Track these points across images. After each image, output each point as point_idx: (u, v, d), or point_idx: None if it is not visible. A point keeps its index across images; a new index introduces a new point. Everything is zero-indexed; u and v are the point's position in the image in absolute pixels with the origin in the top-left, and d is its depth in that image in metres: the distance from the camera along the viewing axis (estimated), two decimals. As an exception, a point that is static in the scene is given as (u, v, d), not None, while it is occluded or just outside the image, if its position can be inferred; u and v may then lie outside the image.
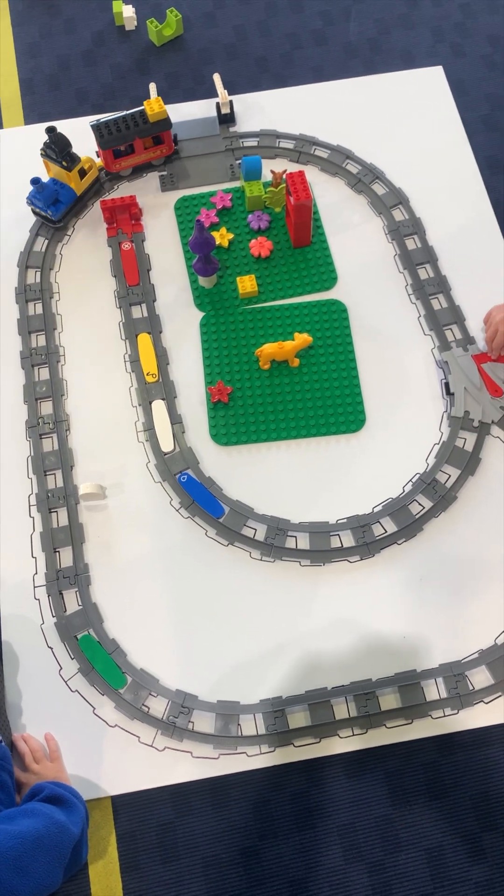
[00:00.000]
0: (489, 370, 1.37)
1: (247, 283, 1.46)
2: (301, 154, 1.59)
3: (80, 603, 1.25)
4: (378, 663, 1.20)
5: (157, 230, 1.54)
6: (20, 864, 0.86)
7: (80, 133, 1.54)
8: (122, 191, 1.58)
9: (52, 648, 1.22)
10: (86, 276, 1.50)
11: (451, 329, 1.43)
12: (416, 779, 1.14)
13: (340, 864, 1.10)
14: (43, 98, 1.70)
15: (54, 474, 1.33)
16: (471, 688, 1.18)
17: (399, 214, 1.53)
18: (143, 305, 1.47)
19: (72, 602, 1.25)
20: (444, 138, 1.62)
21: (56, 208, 1.50)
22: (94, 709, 1.18)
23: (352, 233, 1.53)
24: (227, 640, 1.22)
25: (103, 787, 1.14)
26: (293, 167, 1.58)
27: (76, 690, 1.20)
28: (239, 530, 1.28)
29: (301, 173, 1.41)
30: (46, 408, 1.39)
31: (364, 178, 1.56)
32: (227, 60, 1.73)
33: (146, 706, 1.18)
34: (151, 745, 1.16)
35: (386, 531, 1.28)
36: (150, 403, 1.38)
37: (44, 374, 1.42)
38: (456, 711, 1.17)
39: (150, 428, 1.36)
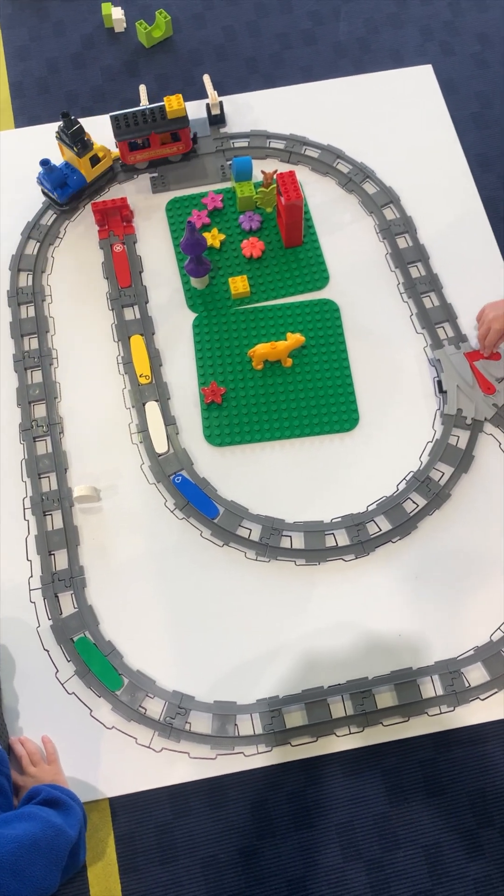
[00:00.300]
0: (481, 368, 1.37)
1: (239, 284, 1.46)
2: (291, 154, 1.59)
3: (75, 605, 1.25)
4: (374, 661, 1.20)
5: (149, 232, 1.55)
6: (17, 868, 0.86)
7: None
8: (113, 193, 1.58)
9: (48, 651, 1.22)
10: (78, 278, 1.51)
11: (443, 327, 1.43)
12: (414, 776, 1.14)
13: (339, 862, 1.10)
14: (33, 101, 1.70)
15: (48, 477, 1.34)
16: (467, 685, 1.18)
17: (390, 213, 1.54)
18: (136, 307, 1.47)
19: (67, 605, 1.25)
20: (435, 137, 1.62)
21: (63, 191, 1.51)
22: (91, 711, 1.18)
23: (343, 232, 1.53)
24: (223, 641, 1.23)
25: (101, 789, 1.14)
26: (284, 167, 1.58)
27: (73, 693, 1.20)
28: (234, 531, 1.28)
29: (291, 173, 1.41)
30: (40, 411, 1.39)
31: (355, 178, 1.56)
32: (217, 61, 1.74)
33: (143, 707, 1.18)
34: (149, 747, 1.16)
35: (380, 529, 1.28)
36: (144, 405, 1.38)
37: (37, 377, 1.42)
38: (452, 708, 1.17)
39: (143, 429, 1.37)
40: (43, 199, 1.56)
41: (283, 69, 1.72)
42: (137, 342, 1.43)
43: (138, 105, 1.62)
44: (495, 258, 1.49)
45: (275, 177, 1.47)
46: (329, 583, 1.26)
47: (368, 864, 1.10)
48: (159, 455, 1.34)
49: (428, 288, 1.46)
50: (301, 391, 1.39)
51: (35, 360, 1.43)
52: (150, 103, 1.58)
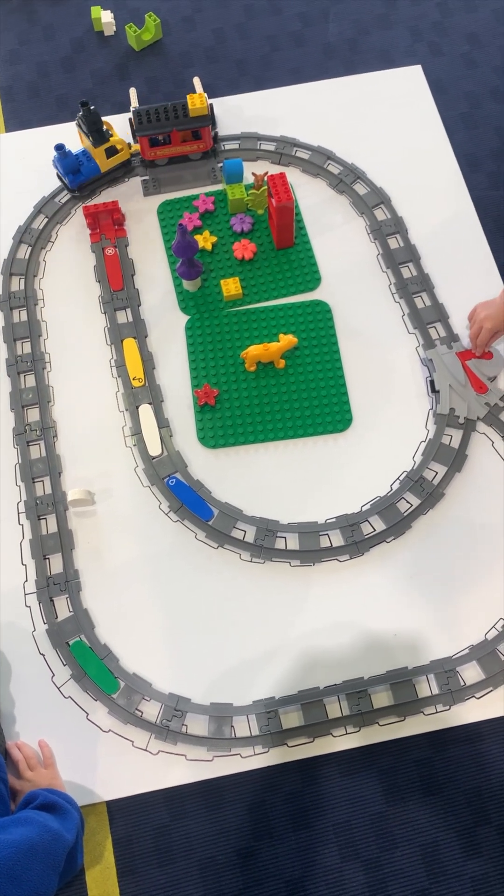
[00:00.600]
0: (473, 367, 1.38)
1: (231, 286, 1.46)
2: (282, 156, 1.60)
3: (70, 609, 1.25)
4: (370, 661, 1.21)
5: (141, 235, 1.55)
6: (14, 873, 0.86)
7: (62, 139, 1.54)
8: (104, 196, 1.58)
9: (44, 655, 1.22)
10: (70, 282, 1.51)
11: (435, 327, 1.43)
12: (410, 775, 1.15)
13: (336, 862, 1.10)
14: (23, 105, 1.70)
15: (42, 481, 1.34)
16: (462, 683, 1.18)
17: (381, 214, 1.54)
18: (128, 310, 1.47)
19: (63, 608, 1.25)
20: (424, 137, 1.62)
21: (75, 177, 1.53)
22: (88, 714, 1.18)
23: (334, 233, 1.53)
24: (219, 643, 1.23)
25: (98, 793, 1.14)
26: (274, 169, 1.59)
27: (69, 696, 1.20)
28: (228, 532, 1.29)
29: (282, 175, 1.41)
30: (33, 415, 1.39)
31: (345, 179, 1.57)
32: (207, 64, 1.74)
33: (139, 710, 1.18)
34: (145, 750, 1.16)
35: (375, 530, 1.29)
36: (137, 408, 1.39)
37: (30, 381, 1.42)
38: (448, 707, 1.17)
39: (137, 432, 1.37)
40: (34, 202, 1.56)
41: (272, 71, 1.72)
42: (130, 345, 1.43)
43: (128, 109, 1.62)
44: (486, 257, 1.49)
45: (265, 179, 1.47)
46: (324, 583, 1.26)
47: (366, 863, 1.10)
48: (153, 458, 1.35)
49: (419, 288, 1.46)
50: (294, 392, 1.39)
51: (28, 364, 1.43)
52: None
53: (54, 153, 1.50)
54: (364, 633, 1.23)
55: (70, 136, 1.59)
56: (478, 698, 1.17)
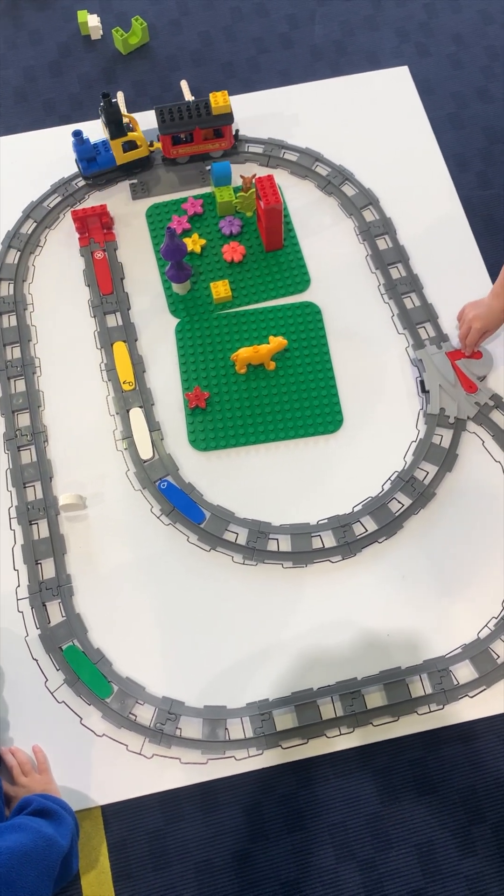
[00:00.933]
0: (463, 367, 1.38)
1: (220, 289, 1.47)
2: (270, 158, 1.60)
3: (63, 614, 1.25)
4: (363, 662, 1.21)
5: (130, 238, 1.55)
6: (8, 879, 0.86)
7: (49, 143, 1.54)
8: (93, 200, 1.58)
9: (37, 660, 1.22)
10: (59, 286, 1.51)
11: (424, 327, 1.44)
12: (404, 775, 1.15)
13: (332, 863, 1.10)
14: (10, 110, 1.70)
15: (33, 486, 1.33)
16: (455, 683, 1.18)
17: (370, 215, 1.54)
18: (118, 314, 1.47)
19: (55, 613, 1.25)
20: (412, 138, 1.63)
21: (90, 165, 1.54)
22: (81, 719, 1.18)
23: (323, 235, 1.54)
24: (212, 645, 1.23)
25: (93, 797, 1.14)
26: (262, 171, 1.59)
27: (62, 701, 1.19)
28: (220, 535, 1.29)
29: (270, 177, 1.42)
30: (24, 420, 1.39)
31: (334, 180, 1.57)
32: (194, 67, 1.74)
33: (133, 714, 1.18)
34: (140, 753, 1.16)
35: (366, 530, 1.29)
36: (128, 411, 1.38)
37: (20, 386, 1.42)
38: (441, 707, 1.17)
39: (128, 436, 1.37)
40: (22, 207, 1.56)
41: (260, 73, 1.72)
42: (120, 349, 1.43)
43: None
44: (475, 257, 1.50)
45: (254, 181, 1.47)
46: (316, 584, 1.26)
47: (361, 864, 1.10)
48: (144, 461, 1.34)
49: (409, 288, 1.47)
50: (285, 394, 1.39)
51: (18, 369, 1.42)
52: (127, 111, 1.59)
53: (19, 177, 1.51)
54: (357, 633, 1.23)
55: (57, 140, 1.59)
56: (471, 697, 1.18)
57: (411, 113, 1.66)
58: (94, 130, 1.61)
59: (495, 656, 1.20)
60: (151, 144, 1.57)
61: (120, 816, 1.14)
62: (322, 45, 1.75)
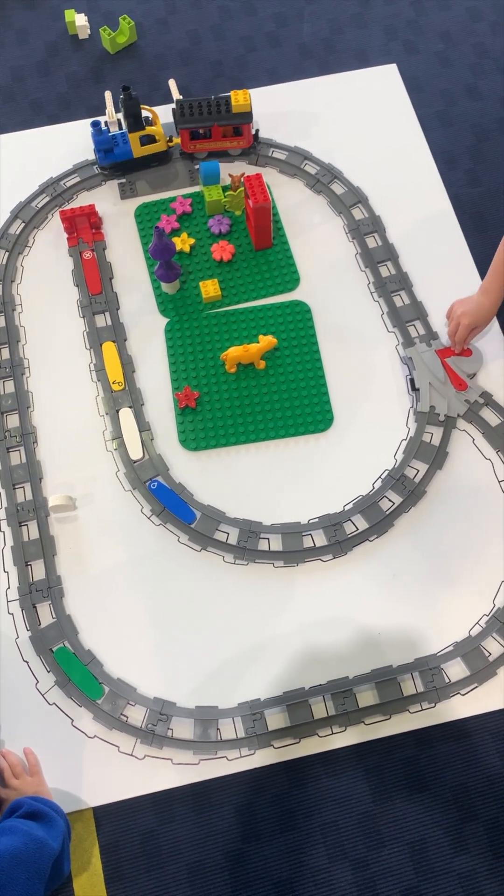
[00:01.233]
0: (453, 364, 1.38)
1: (210, 288, 1.46)
2: (258, 156, 1.60)
3: (54, 615, 1.24)
4: (354, 661, 1.21)
5: (118, 238, 1.54)
6: (-2, 882, 0.86)
7: (37, 143, 1.53)
8: (81, 200, 1.57)
9: (27, 662, 1.22)
10: (48, 286, 1.50)
11: (414, 325, 1.44)
12: (396, 774, 1.15)
13: (324, 863, 1.10)
14: (-2, 110, 1.69)
15: (23, 487, 1.33)
16: (447, 680, 1.18)
17: (359, 213, 1.54)
18: (107, 314, 1.46)
19: (46, 615, 1.25)
20: (401, 135, 1.63)
21: (106, 156, 1.54)
22: (73, 721, 1.18)
23: (312, 233, 1.53)
24: (203, 646, 1.22)
25: (84, 799, 1.14)
26: (251, 170, 1.58)
27: (53, 703, 1.19)
28: (211, 535, 1.28)
29: (259, 176, 1.41)
30: (13, 421, 1.38)
31: (322, 179, 1.57)
32: (182, 66, 1.73)
33: (124, 715, 1.17)
34: (131, 755, 1.16)
35: (357, 529, 1.29)
36: (118, 412, 1.38)
37: (9, 387, 1.41)
38: (433, 705, 1.17)
39: (118, 436, 1.36)
40: (10, 207, 1.56)
41: (248, 72, 1.72)
42: (109, 349, 1.43)
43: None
44: (464, 255, 1.50)
45: (242, 180, 1.47)
46: (308, 584, 1.26)
47: (354, 863, 1.10)
48: (134, 461, 1.34)
49: (398, 286, 1.47)
50: (275, 393, 1.39)
51: (7, 370, 1.42)
52: (115, 110, 1.58)
53: (9, 176, 1.51)
54: (348, 632, 1.23)
55: (45, 140, 1.58)
56: (463, 695, 1.18)
57: (400, 111, 1.65)
58: (83, 130, 1.60)
59: (487, 654, 1.20)
60: (170, 139, 1.57)
61: (112, 818, 1.13)
62: (310, 44, 1.75)
